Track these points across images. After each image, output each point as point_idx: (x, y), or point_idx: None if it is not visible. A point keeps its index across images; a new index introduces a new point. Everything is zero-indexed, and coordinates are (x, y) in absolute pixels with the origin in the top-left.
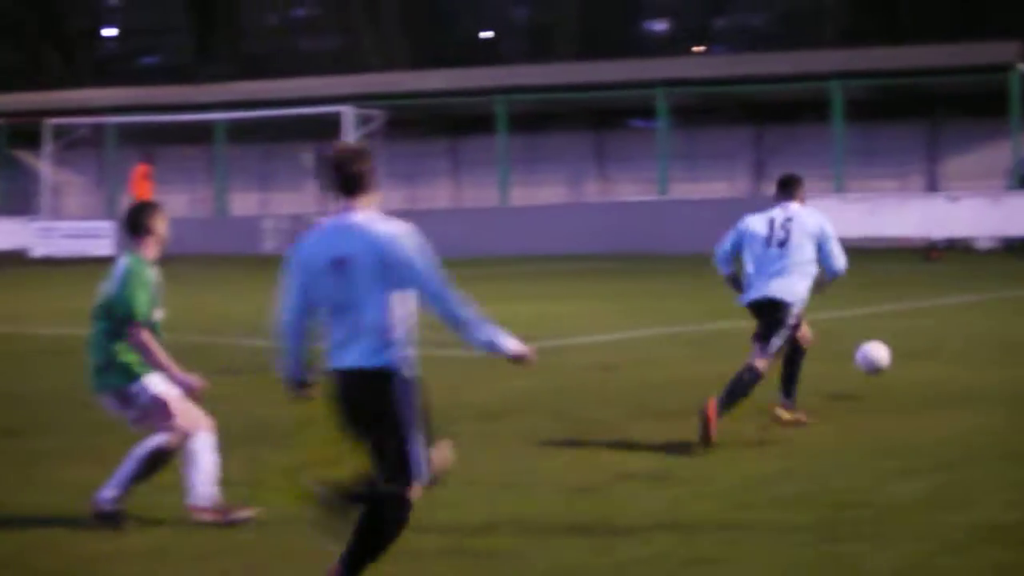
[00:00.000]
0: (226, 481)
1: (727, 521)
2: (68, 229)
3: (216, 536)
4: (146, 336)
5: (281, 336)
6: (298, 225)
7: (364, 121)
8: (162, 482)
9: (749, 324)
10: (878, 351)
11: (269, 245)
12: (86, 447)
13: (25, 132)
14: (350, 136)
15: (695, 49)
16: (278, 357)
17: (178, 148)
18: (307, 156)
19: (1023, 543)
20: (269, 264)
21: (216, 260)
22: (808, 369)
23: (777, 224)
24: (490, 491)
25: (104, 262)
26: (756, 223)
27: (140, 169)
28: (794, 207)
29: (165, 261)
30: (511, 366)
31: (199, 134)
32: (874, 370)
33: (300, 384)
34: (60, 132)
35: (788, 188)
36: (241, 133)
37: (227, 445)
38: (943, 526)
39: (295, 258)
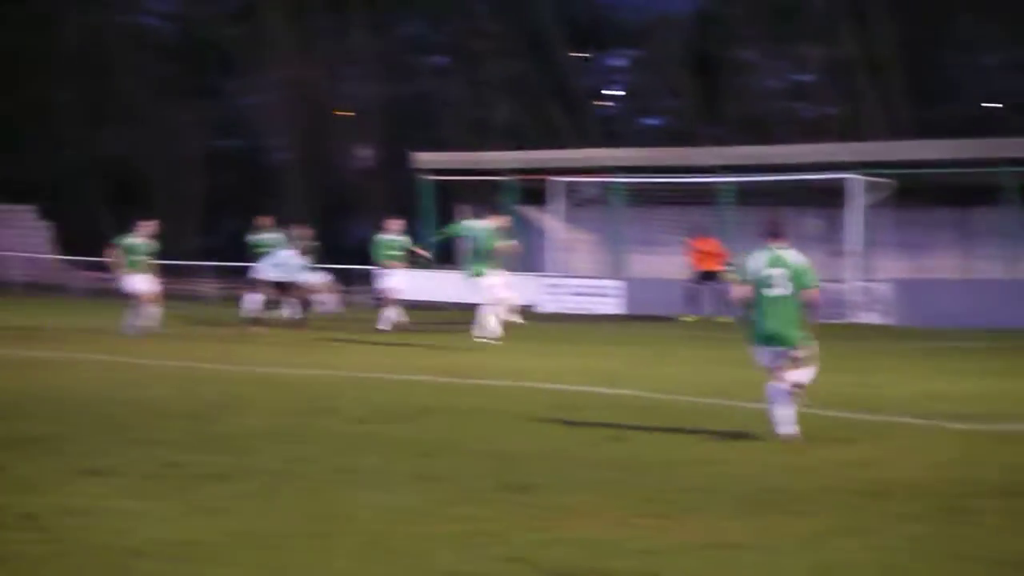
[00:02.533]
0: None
1: None
2: (575, 286)
3: None
4: None
5: None
6: None
7: (872, 189)
8: None
9: None
10: None
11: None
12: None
13: (532, 189)
14: (858, 204)
15: None
16: None
17: (678, 209)
18: (814, 222)
19: None
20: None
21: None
22: None
23: None
24: None
25: (609, 320)
26: None
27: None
28: None
29: None
30: None
31: (700, 195)
32: None
33: None
34: (570, 190)
35: None
36: (742, 196)
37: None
38: None
39: None
